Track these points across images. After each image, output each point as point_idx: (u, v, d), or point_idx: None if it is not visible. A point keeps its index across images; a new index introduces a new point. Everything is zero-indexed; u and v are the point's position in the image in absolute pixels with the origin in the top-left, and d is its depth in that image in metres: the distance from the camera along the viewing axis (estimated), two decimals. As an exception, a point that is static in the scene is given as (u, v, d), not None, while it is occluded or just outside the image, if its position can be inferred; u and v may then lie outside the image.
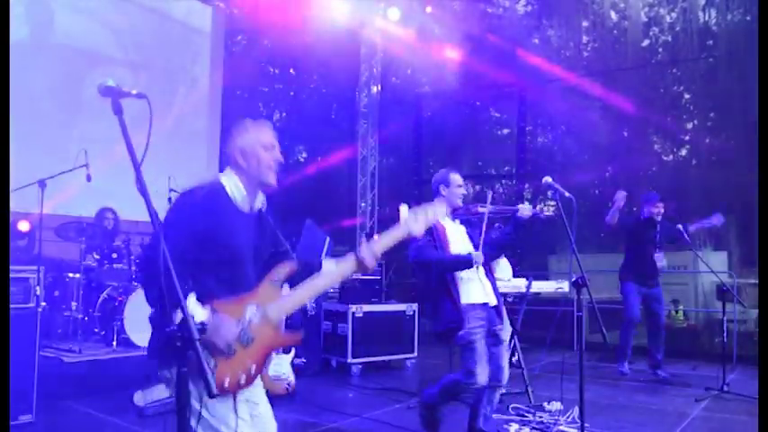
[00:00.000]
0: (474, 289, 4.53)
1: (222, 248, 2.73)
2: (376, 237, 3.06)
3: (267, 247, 2.98)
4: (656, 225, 7.56)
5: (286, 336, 2.88)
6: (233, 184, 2.84)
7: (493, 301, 4.58)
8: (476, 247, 4.52)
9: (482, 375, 4.34)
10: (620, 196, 7.38)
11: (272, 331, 2.75)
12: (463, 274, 4.51)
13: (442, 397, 4.65)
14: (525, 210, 4.59)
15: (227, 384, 2.59)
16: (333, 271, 2.96)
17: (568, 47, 11.28)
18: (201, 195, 2.76)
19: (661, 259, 7.62)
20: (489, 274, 4.70)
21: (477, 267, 4.52)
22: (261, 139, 2.86)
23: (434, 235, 4.53)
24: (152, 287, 2.63)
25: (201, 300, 2.61)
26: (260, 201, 2.95)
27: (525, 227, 4.66)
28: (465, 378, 4.39)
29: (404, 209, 3.09)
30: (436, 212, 3.13)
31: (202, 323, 2.52)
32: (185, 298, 2.41)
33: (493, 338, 4.54)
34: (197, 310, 2.55)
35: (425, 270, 4.56)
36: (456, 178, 4.72)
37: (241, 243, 2.79)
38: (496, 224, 4.92)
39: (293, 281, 2.91)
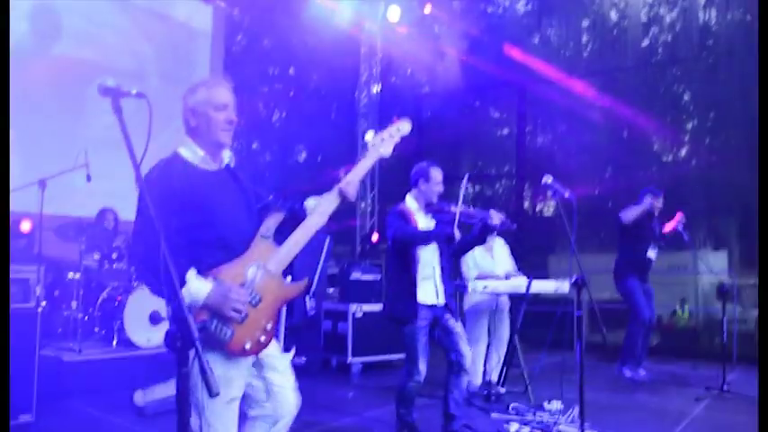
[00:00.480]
0: (427, 289, 4.68)
1: (196, 212, 2.72)
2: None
3: (250, 201, 2.95)
4: (653, 219, 7.55)
5: (291, 286, 2.88)
6: (187, 150, 2.85)
7: (442, 302, 4.72)
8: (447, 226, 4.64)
9: (423, 370, 4.60)
10: (649, 200, 7.43)
11: (276, 285, 2.80)
12: (422, 274, 4.67)
13: (402, 404, 4.84)
14: (495, 217, 4.65)
15: (248, 347, 2.67)
16: (319, 208, 2.96)
17: (568, 46, 11.27)
18: (157, 170, 2.75)
19: (654, 255, 7.59)
20: (446, 275, 4.82)
21: (435, 269, 4.73)
22: (211, 100, 2.83)
23: (408, 224, 4.77)
24: (147, 282, 2.67)
25: (201, 271, 2.64)
26: (226, 157, 2.93)
27: (490, 234, 4.86)
28: (409, 372, 4.65)
29: (369, 134, 3.14)
30: (401, 129, 3.28)
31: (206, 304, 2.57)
32: (182, 279, 2.49)
33: (442, 331, 4.73)
34: (200, 285, 2.59)
35: (398, 257, 4.75)
36: (436, 174, 4.85)
37: (214, 201, 2.78)
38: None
39: (284, 231, 2.91)
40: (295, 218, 2.97)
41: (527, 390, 6.31)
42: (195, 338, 2.16)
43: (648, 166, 10.29)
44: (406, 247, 4.69)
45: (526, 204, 11.61)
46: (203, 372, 2.11)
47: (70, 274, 7.46)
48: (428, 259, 4.75)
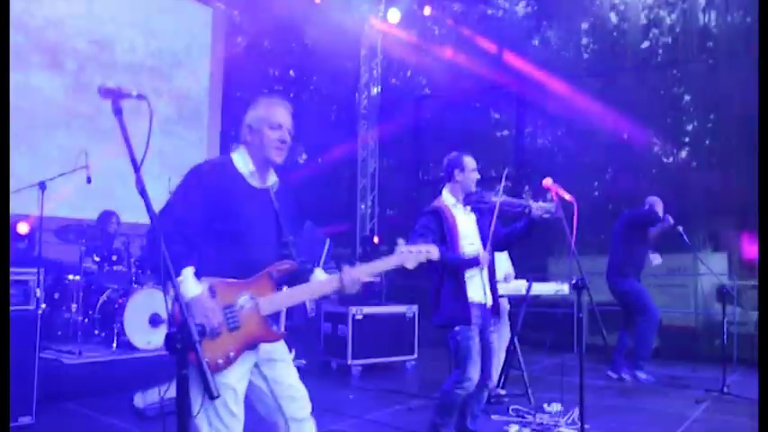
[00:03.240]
0: (474, 287, 4.42)
1: (228, 217, 2.81)
2: (361, 263, 3.11)
3: (276, 228, 3.00)
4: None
5: (270, 332, 2.89)
6: (241, 159, 2.94)
7: (489, 302, 4.49)
8: (484, 239, 4.44)
9: (475, 375, 4.29)
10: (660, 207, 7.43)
11: (258, 323, 2.82)
12: (468, 272, 4.42)
13: (443, 414, 4.47)
14: (538, 207, 4.38)
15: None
16: (320, 285, 3.03)
17: (568, 48, 11.28)
18: (209, 167, 2.91)
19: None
20: (491, 271, 4.59)
21: (481, 271, 4.46)
22: (268, 118, 2.94)
23: (444, 226, 4.43)
24: (155, 271, 2.75)
25: (204, 272, 2.72)
26: (272, 180, 3.03)
27: (538, 226, 4.47)
28: (459, 379, 4.29)
29: (402, 243, 3.13)
30: (431, 253, 3.18)
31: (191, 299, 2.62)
32: (180, 273, 2.56)
33: (484, 340, 4.45)
34: (192, 285, 2.66)
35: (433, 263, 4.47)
36: (470, 162, 4.60)
37: (247, 214, 2.86)
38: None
39: (291, 280, 2.97)
40: (303, 275, 3.04)
41: (527, 392, 6.30)
42: (196, 341, 2.16)
43: (648, 168, 10.28)
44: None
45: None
46: (202, 373, 2.12)
47: (70, 277, 7.46)
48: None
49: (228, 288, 2.76)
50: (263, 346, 2.91)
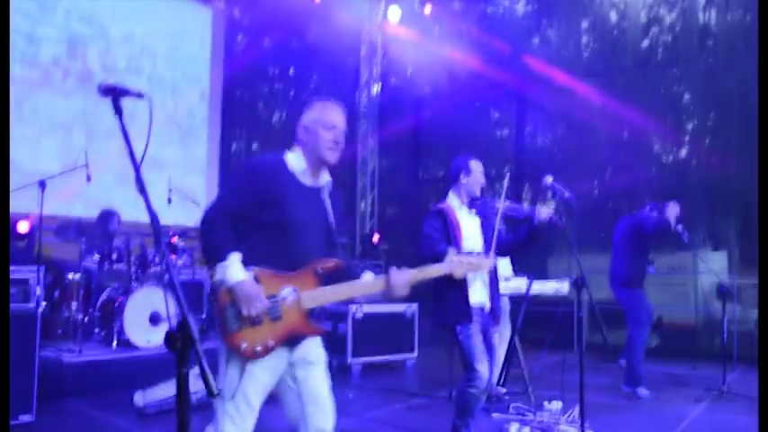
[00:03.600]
0: (477, 289, 4.36)
1: (277, 211, 2.87)
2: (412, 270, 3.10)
3: (324, 226, 3.06)
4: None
5: (311, 326, 2.96)
6: (294, 158, 3.02)
7: (488, 306, 4.42)
8: (488, 244, 4.37)
9: (484, 371, 4.23)
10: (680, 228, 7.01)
11: (299, 316, 2.89)
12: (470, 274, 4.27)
13: (460, 415, 4.40)
14: (543, 213, 4.35)
15: (243, 348, 2.76)
16: (364, 284, 3.10)
17: (568, 47, 11.28)
18: (261, 162, 3.02)
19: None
20: (494, 274, 4.53)
21: (483, 273, 4.36)
22: (322, 119, 3.03)
23: (448, 228, 4.40)
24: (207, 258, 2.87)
25: (250, 263, 2.81)
26: (324, 179, 3.09)
27: (543, 232, 4.43)
28: (468, 377, 4.24)
29: (452, 252, 3.18)
30: (482, 265, 3.28)
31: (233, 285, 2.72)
32: (226, 258, 2.73)
33: (486, 342, 4.38)
34: (238, 271, 2.75)
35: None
36: (477, 166, 4.52)
37: (296, 209, 2.92)
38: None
39: (339, 279, 3.02)
40: (349, 274, 3.07)
41: (527, 390, 6.31)
42: (196, 339, 2.16)
43: (648, 166, 10.28)
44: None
45: (525, 205, 11.62)
46: (202, 371, 2.12)
47: (70, 275, 7.46)
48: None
49: (272, 279, 2.83)
50: (300, 349, 2.96)
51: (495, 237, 4.34)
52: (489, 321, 4.44)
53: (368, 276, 3.13)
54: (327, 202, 3.07)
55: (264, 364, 2.82)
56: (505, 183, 4.77)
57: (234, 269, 2.73)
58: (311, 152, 3.00)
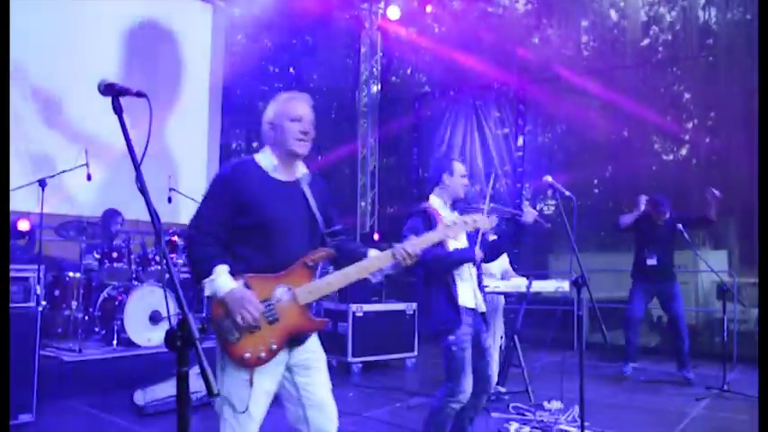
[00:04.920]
0: (466, 291, 4.24)
1: (255, 213, 2.83)
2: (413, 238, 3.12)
3: (313, 221, 3.00)
4: (653, 225, 7.57)
5: (311, 320, 2.92)
6: (263, 157, 2.97)
7: (482, 307, 4.31)
8: (471, 246, 4.27)
9: (469, 387, 4.09)
10: (643, 200, 7.54)
11: (298, 314, 2.84)
12: (459, 276, 4.23)
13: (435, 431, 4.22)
14: (529, 215, 4.28)
15: (247, 357, 2.72)
16: (369, 262, 3.01)
17: (568, 46, 11.27)
18: (231, 169, 2.94)
19: (654, 261, 7.62)
20: (480, 278, 4.44)
21: (471, 273, 4.30)
22: (287, 111, 2.96)
23: (432, 227, 4.03)
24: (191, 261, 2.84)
25: (238, 272, 2.77)
26: (300, 172, 3.03)
27: (526, 232, 4.36)
28: (452, 392, 4.09)
29: (452, 215, 3.16)
30: (477, 221, 3.23)
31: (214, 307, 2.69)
32: (212, 272, 2.67)
33: (478, 350, 4.23)
34: (226, 281, 2.70)
35: (424, 265, 4.14)
36: (460, 167, 4.43)
37: (275, 210, 2.87)
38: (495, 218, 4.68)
39: (337, 265, 3.00)
40: (350, 259, 3.01)
41: (527, 389, 6.31)
42: (196, 338, 2.16)
43: (648, 165, 10.28)
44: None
45: (525, 204, 11.60)
46: (202, 370, 2.11)
47: (70, 274, 7.46)
48: None
49: (264, 282, 2.78)
50: (299, 352, 2.93)
51: (479, 238, 4.26)
52: (481, 325, 4.31)
53: (372, 254, 3.06)
54: (308, 194, 3.00)
55: (264, 370, 2.78)
56: (490, 184, 4.76)
57: (221, 280, 2.69)
58: (280, 147, 2.96)
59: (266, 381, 2.82)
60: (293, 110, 2.96)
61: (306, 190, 3.00)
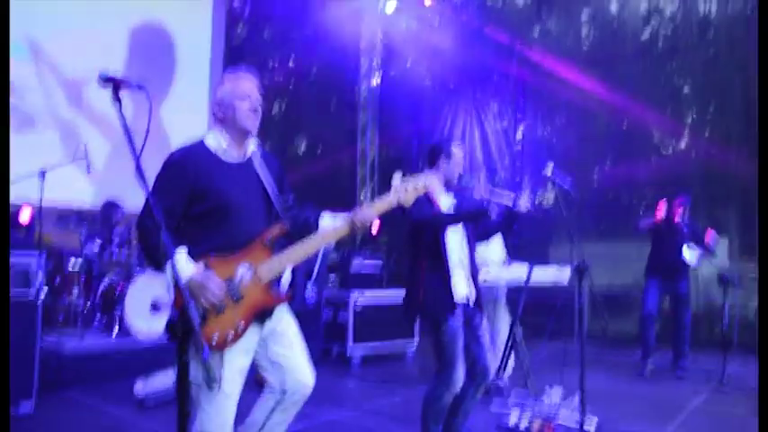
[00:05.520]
0: (459, 280, 4.16)
1: (207, 197, 2.84)
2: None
3: (267, 199, 3.03)
4: (671, 223, 7.68)
5: (275, 296, 2.92)
6: (213, 138, 3.00)
7: (473, 298, 4.22)
8: (467, 228, 4.27)
9: (461, 377, 4.03)
10: (663, 208, 7.68)
11: (261, 290, 2.85)
12: (452, 262, 4.12)
13: (431, 421, 4.15)
14: (524, 203, 4.22)
15: (215, 340, 2.70)
16: (326, 232, 3.05)
17: (568, 38, 11.24)
18: (180, 153, 2.93)
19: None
20: (473, 264, 4.32)
21: (463, 260, 4.21)
22: (235, 90, 3.00)
23: (425, 205, 4.15)
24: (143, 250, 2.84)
25: (197, 255, 2.75)
26: (250, 149, 3.06)
27: (520, 220, 4.29)
28: (447, 381, 4.01)
29: (396, 177, 3.15)
30: (427, 184, 3.19)
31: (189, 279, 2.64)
32: (174, 255, 2.47)
33: (472, 337, 4.17)
34: (185, 265, 2.68)
35: (424, 245, 4.17)
36: (458, 152, 4.41)
37: (228, 191, 2.88)
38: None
39: (291, 240, 2.99)
40: (306, 229, 3.05)
41: (528, 379, 6.31)
42: (197, 326, 2.18)
43: (648, 156, 10.28)
44: (435, 234, 4.13)
45: (525, 192, 11.58)
46: (204, 360, 2.13)
47: (71, 261, 7.45)
48: (455, 246, 4.19)
49: (224, 262, 2.78)
50: (269, 322, 2.94)
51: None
52: (475, 313, 4.23)
53: (325, 222, 3.10)
54: (261, 171, 3.03)
55: (237, 347, 2.79)
56: (482, 176, 4.73)
57: (181, 266, 2.65)
58: (231, 126, 3.00)
59: (239, 358, 2.83)
60: (241, 88, 3.00)
61: (258, 169, 3.04)
